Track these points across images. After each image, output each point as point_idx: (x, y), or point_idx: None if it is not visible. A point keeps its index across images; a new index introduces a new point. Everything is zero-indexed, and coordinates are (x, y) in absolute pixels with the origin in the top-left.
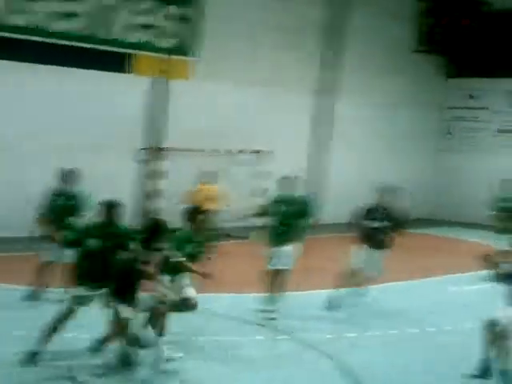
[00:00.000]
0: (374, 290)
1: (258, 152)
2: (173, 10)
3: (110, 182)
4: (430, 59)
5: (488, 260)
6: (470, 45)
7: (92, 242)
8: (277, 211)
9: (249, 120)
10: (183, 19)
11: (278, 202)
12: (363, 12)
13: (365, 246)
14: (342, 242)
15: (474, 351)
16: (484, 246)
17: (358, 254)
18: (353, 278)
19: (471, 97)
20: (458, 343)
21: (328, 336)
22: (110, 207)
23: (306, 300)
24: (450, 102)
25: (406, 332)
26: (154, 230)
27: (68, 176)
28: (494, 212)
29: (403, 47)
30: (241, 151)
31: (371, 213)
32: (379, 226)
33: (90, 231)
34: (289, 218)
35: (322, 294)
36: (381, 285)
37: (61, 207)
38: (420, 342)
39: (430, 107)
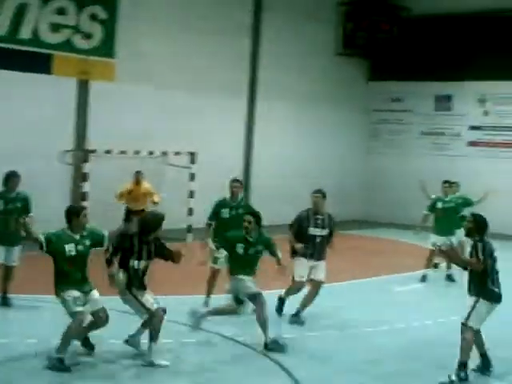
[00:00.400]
0: None
1: (180, 154)
2: (93, 10)
3: (36, 184)
4: (352, 62)
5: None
6: (390, 49)
7: (71, 248)
8: (227, 215)
9: (172, 122)
10: (103, 20)
11: (227, 206)
12: (286, 15)
13: (306, 256)
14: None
15: (410, 351)
16: (418, 247)
17: (302, 266)
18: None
19: (394, 100)
20: (395, 343)
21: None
22: (78, 213)
23: None
24: (374, 104)
25: (345, 332)
26: (146, 224)
27: (9, 179)
28: (430, 213)
29: (326, 50)
30: (164, 153)
31: (312, 219)
32: (322, 234)
33: (66, 238)
34: (239, 222)
35: None
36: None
37: (3, 211)
38: (359, 341)
39: (354, 110)
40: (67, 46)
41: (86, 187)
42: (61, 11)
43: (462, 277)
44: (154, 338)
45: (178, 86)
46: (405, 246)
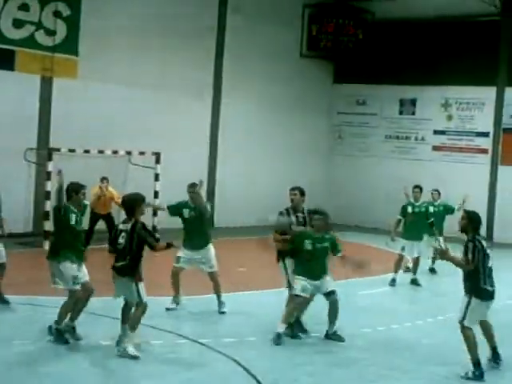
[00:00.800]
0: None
1: (145, 153)
2: (56, 6)
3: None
4: (316, 64)
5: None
6: (355, 52)
7: (73, 218)
8: (187, 215)
9: (136, 121)
10: (67, 17)
11: (187, 207)
12: (251, 16)
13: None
14: (238, 245)
15: (376, 355)
16: (382, 251)
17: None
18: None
19: (359, 103)
20: (361, 346)
21: (230, 340)
22: (77, 191)
23: (207, 303)
24: (339, 107)
25: (310, 336)
26: (130, 203)
27: None
28: (402, 217)
29: (291, 52)
30: (129, 153)
31: (293, 217)
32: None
33: (71, 210)
34: (200, 224)
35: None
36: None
37: None
38: (324, 345)
39: (319, 112)
40: (30, 42)
41: (50, 186)
42: (24, 7)
43: (430, 282)
44: (133, 326)
45: (143, 85)
46: (369, 250)
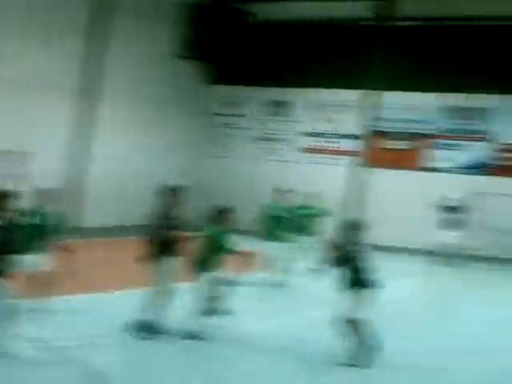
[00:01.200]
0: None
1: (11, 153)
2: None
3: None
4: (194, 66)
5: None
6: (234, 54)
7: None
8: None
9: (2, 119)
10: None
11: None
12: (127, 15)
13: (162, 255)
14: (103, 245)
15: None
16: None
17: (160, 269)
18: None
19: (233, 104)
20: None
21: (77, 342)
22: None
23: (54, 304)
24: (214, 108)
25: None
26: None
27: None
28: (261, 219)
29: (168, 53)
30: None
31: (167, 217)
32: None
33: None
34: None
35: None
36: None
37: None
38: (174, 344)
39: (194, 113)
40: None
41: None
42: None
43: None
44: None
45: (10, 83)
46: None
